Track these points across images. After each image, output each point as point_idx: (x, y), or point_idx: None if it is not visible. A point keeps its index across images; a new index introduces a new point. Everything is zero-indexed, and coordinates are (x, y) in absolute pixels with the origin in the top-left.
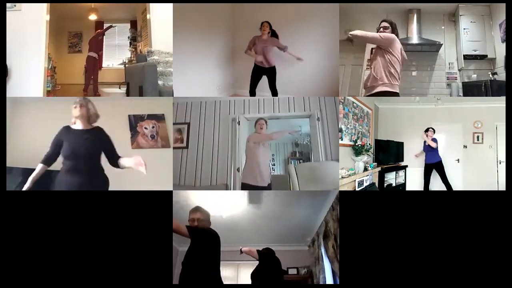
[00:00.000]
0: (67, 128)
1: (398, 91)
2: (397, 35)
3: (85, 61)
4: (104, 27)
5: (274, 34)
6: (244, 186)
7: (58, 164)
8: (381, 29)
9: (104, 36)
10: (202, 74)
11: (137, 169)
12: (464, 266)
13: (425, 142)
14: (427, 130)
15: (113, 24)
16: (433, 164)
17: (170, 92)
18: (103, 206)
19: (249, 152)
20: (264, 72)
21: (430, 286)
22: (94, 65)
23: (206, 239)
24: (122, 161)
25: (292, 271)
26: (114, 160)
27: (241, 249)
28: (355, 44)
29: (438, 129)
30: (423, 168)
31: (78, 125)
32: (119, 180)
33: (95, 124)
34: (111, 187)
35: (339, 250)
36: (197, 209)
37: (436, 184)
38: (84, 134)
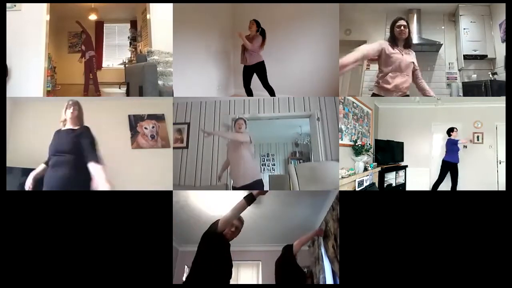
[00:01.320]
0: (57, 132)
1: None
2: (410, 32)
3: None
4: (104, 28)
5: (262, 32)
6: (234, 189)
7: None
8: (402, 28)
9: (86, 37)
10: (202, 74)
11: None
12: (464, 266)
13: (449, 140)
14: (452, 130)
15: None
16: (451, 164)
17: (170, 92)
18: (103, 206)
19: (229, 155)
20: (251, 70)
21: (430, 286)
22: (90, 66)
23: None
24: (90, 166)
25: None
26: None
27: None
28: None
29: (438, 129)
30: (441, 165)
31: (67, 126)
32: (119, 180)
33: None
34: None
35: (339, 250)
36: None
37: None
38: (70, 132)
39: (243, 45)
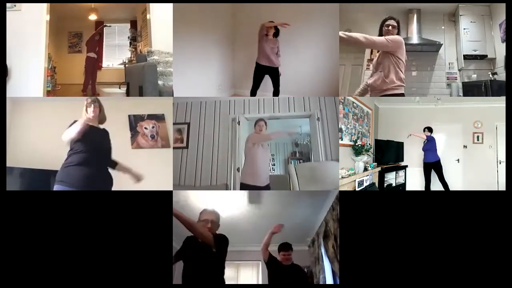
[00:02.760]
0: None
1: (403, 92)
2: (399, 34)
3: (84, 61)
4: (104, 28)
5: (277, 32)
6: (243, 186)
7: (57, 163)
8: (390, 27)
9: (102, 36)
10: (202, 74)
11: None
12: (464, 266)
13: (424, 141)
14: (424, 130)
15: (107, 24)
16: (432, 164)
17: (170, 92)
18: (103, 206)
19: (248, 152)
20: (268, 72)
21: (430, 286)
22: (93, 66)
23: (223, 245)
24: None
25: None
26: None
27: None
28: (345, 44)
29: (438, 129)
30: (423, 168)
31: (92, 123)
32: (119, 180)
33: (102, 126)
34: (113, 187)
35: (339, 250)
36: (210, 211)
37: (437, 184)
38: (98, 131)
39: (267, 43)
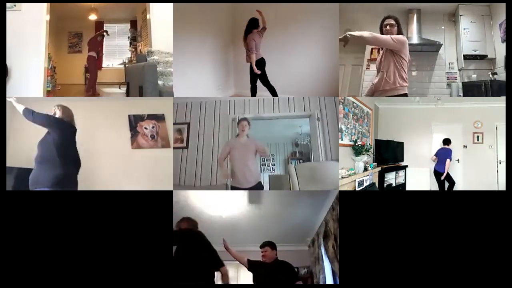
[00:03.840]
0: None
1: (407, 92)
2: (401, 32)
3: (85, 61)
4: (104, 28)
5: (254, 23)
6: (233, 188)
7: None
8: (388, 27)
9: (103, 38)
10: (202, 74)
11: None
12: (464, 266)
13: (444, 150)
14: (449, 142)
15: (108, 31)
16: (440, 173)
17: (170, 92)
18: (103, 206)
19: (238, 156)
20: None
21: (430, 286)
22: (94, 65)
23: (190, 241)
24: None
25: None
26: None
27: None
28: (351, 43)
29: (438, 129)
30: (435, 177)
31: None
32: (120, 179)
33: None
34: (113, 187)
35: (339, 250)
36: (186, 219)
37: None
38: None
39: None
